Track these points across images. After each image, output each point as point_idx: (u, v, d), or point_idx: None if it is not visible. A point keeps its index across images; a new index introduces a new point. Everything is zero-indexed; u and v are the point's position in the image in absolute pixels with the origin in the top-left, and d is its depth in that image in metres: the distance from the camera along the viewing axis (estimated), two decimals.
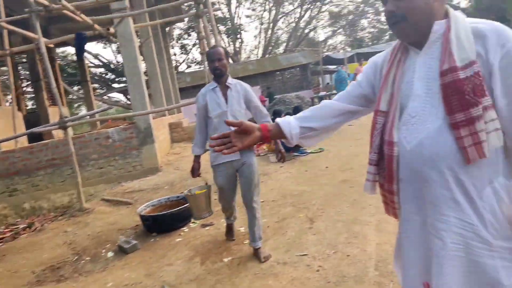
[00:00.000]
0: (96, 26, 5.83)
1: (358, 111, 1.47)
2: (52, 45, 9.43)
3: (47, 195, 7.05)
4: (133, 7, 8.09)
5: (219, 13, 27.98)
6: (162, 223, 4.27)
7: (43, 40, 5.31)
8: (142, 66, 10.51)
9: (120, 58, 23.48)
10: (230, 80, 3.23)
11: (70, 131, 6.08)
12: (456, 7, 24.37)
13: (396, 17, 1.20)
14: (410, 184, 1.23)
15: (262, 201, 4.83)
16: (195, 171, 3.41)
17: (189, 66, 29.28)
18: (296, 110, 8.16)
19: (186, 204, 4.37)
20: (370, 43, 34.66)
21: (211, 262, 3.39)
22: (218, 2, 28.14)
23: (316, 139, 1.49)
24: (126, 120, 9.18)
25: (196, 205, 3.56)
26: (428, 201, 1.20)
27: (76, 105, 30.00)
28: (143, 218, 4.36)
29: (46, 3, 5.31)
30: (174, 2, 6.07)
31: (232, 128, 1.39)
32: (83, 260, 4.07)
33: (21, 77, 17.19)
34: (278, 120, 1.44)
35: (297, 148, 7.27)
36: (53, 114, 11.21)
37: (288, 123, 1.42)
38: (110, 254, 4.11)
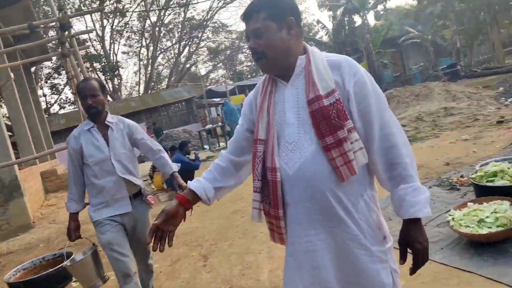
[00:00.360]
0: None
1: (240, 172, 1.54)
2: None
3: None
4: None
5: (92, 50, 26.68)
6: (37, 287, 3.71)
7: None
8: (3, 111, 9.33)
9: None
10: (110, 118, 2.64)
11: None
12: (319, 41, 27.33)
13: (258, 54, 1.32)
14: (296, 207, 1.30)
15: None
16: (72, 232, 2.62)
17: (62, 107, 27.11)
18: (182, 145, 8.06)
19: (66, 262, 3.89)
20: (249, 76, 36.65)
21: None
22: (90, 39, 26.85)
23: (229, 191, 1.55)
24: None
25: (83, 274, 2.69)
26: (314, 221, 1.28)
27: None
28: (12, 285, 3.73)
29: None
30: (35, 42, 5.57)
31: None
32: None
33: None
34: (191, 186, 1.43)
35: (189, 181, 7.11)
36: None
37: (203, 188, 1.43)
38: None
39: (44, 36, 11.32)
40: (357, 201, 1.28)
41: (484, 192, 3.15)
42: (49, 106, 27.05)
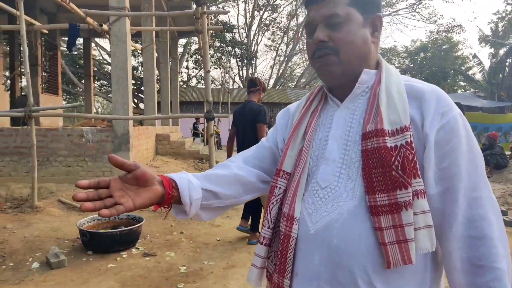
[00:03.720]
0: (89, 20, 5.60)
1: (261, 188, 1.06)
2: (45, 31, 9.12)
3: (8, 183, 6.62)
4: (142, 9, 7.91)
5: (236, 36, 28.21)
6: (100, 242, 3.82)
7: (24, 21, 5.07)
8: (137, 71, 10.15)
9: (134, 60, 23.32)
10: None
11: (39, 121, 5.70)
12: (470, 77, 24.34)
13: (326, 49, 0.88)
14: (308, 282, 0.85)
15: (218, 239, 4.40)
16: None
17: (198, 82, 29.27)
18: None
19: (133, 227, 3.94)
20: None
21: None
22: (238, 26, 28.42)
23: (215, 212, 1.03)
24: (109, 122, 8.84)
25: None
26: None
27: (82, 98, 29.88)
28: (81, 232, 3.91)
29: None
30: (169, 12, 5.84)
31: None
32: (4, 266, 3.61)
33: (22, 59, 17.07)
34: (173, 176, 0.91)
35: None
36: (45, 100, 10.88)
37: (188, 181, 0.91)
38: (35, 265, 3.65)
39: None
40: None
41: None
42: (189, 78, 29.49)
